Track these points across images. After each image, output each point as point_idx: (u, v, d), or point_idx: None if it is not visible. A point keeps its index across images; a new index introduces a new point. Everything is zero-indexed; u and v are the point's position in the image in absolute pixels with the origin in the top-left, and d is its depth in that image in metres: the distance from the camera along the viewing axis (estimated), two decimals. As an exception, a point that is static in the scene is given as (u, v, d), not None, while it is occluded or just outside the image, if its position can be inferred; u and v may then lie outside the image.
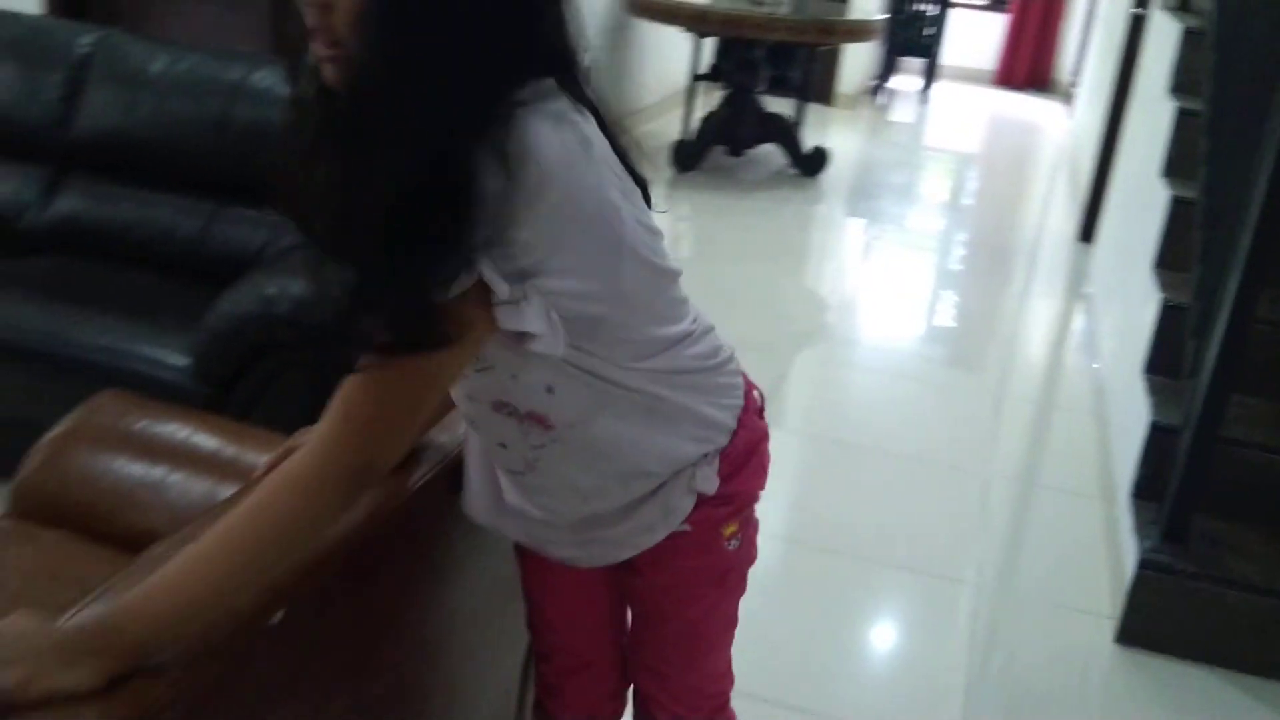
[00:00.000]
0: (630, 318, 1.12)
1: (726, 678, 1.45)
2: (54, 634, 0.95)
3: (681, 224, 5.46)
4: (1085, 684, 2.40)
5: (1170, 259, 3.15)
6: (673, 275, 1.18)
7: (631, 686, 1.47)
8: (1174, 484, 2.49)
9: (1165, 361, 2.90)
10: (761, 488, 1.32)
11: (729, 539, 1.29)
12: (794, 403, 3.65)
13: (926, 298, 4.97)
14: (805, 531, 2.81)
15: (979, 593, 2.64)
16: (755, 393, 1.32)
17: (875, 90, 9.03)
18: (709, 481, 1.24)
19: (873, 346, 4.26)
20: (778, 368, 3.85)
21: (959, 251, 5.75)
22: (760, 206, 5.81)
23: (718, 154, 6.26)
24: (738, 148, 6.30)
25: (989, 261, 5.53)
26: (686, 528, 1.25)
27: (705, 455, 1.23)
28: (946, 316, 4.83)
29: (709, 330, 1.26)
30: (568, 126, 0.99)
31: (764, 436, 1.31)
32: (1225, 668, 2.45)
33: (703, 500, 1.24)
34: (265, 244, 2.67)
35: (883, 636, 2.50)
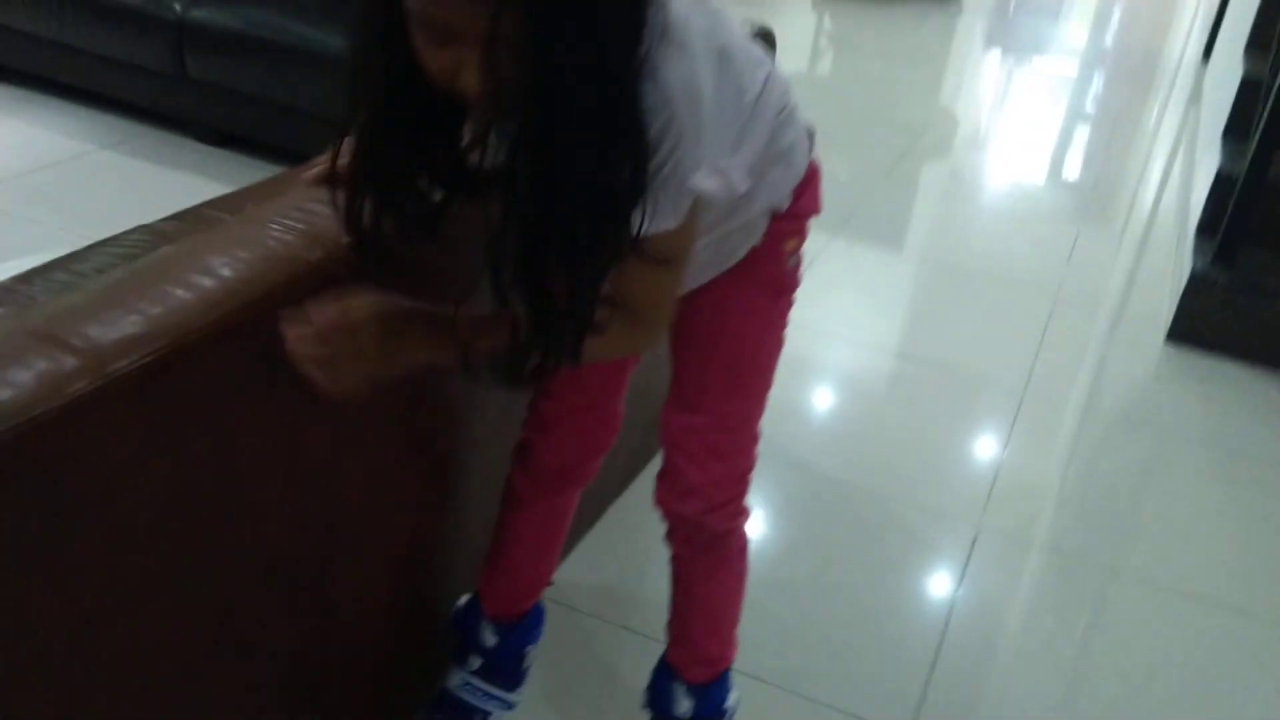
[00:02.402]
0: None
1: (755, 440, 1.45)
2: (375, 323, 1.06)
3: (823, 35, 5.91)
4: (1135, 368, 2.97)
5: (1259, 39, 3.57)
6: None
7: (662, 460, 1.48)
8: (1227, 216, 3.00)
9: (1240, 126, 3.36)
10: (817, 212, 1.39)
11: (789, 254, 1.37)
12: (916, 224, 3.87)
13: (1057, 124, 5.14)
14: (912, 346, 3.35)
15: (1055, 304, 3.21)
16: (807, 126, 1.37)
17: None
18: (783, 200, 1.32)
19: (995, 172, 4.35)
20: (906, 181, 4.15)
21: (1095, 76, 6.05)
22: (904, 20, 6.19)
23: (863, -34, 6.64)
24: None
25: (1125, 87, 5.84)
26: (759, 241, 1.34)
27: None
28: (1076, 148, 5.00)
29: (773, 78, 1.27)
30: (695, 46, 1.03)
31: (818, 169, 1.38)
32: (1256, 364, 2.99)
33: (774, 216, 1.33)
34: None
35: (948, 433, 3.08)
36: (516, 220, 0.99)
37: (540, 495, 1.55)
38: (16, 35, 3.64)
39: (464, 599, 1.63)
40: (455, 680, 1.62)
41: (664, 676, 1.59)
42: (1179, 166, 4.36)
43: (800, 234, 1.36)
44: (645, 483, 2.00)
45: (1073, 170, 4.54)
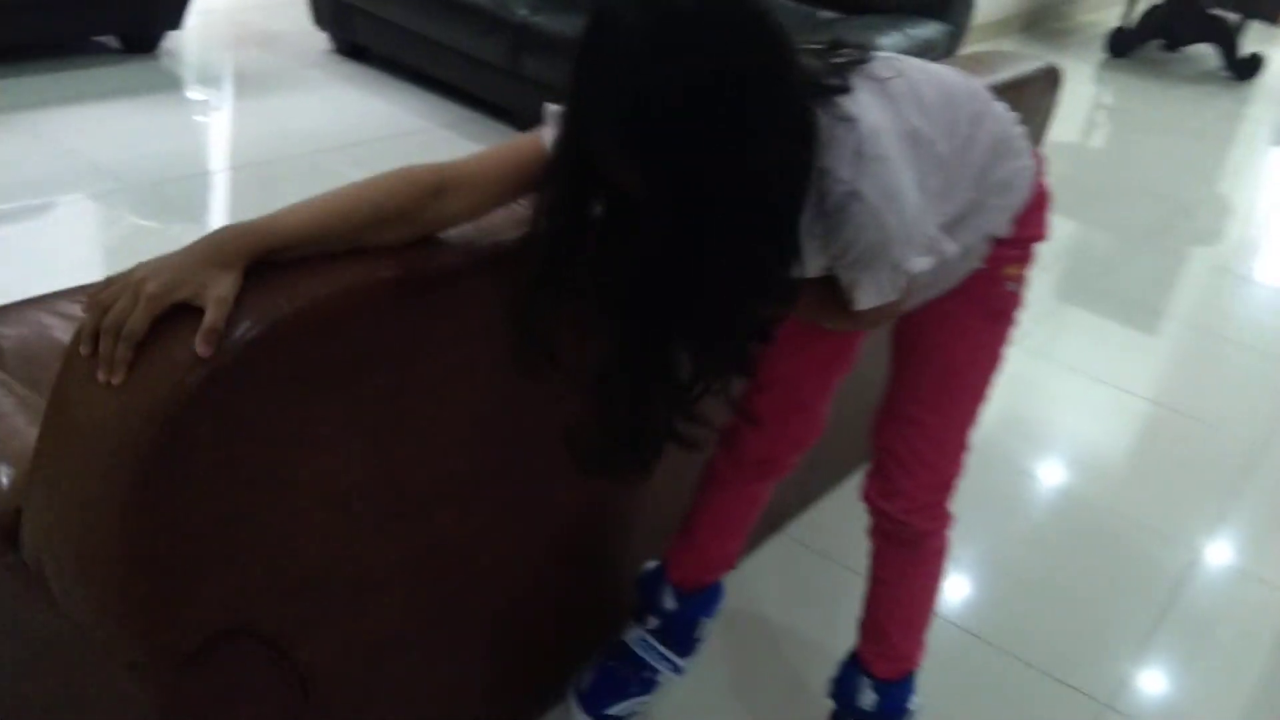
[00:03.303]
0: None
1: (962, 449, 1.51)
2: (194, 247, 0.98)
3: (1104, 108, 5.99)
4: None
5: None
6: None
7: (873, 466, 1.55)
8: None
9: None
10: (1043, 238, 1.44)
11: (1009, 280, 1.42)
12: (1175, 306, 3.89)
13: None
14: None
15: (1308, 381, 3.25)
16: (1041, 158, 1.43)
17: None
18: (1002, 227, 1.37)
19: (1267, 282, 4.13)
20: (1166, 263, 4.17)
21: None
22: (1186, 100, 6.20)
23: (1153, 47, 6.66)
24: (1174, 43, 6.67)
25: None
26: (979, 264, 1.39)
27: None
28: None
29: (989, 101, 1.35)
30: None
31: (1048, 196, 1.43)
32: None
33: (995, 242, 1.38)
34: None
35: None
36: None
37: (738, 480, 1.66)
38: (384, 24, 4.22)
39: (652, 564, 1.75)
40: (632, 635, 1.74)
41: (851, 669, 1.65)
42: None
43: (1022, 260, 1.42)
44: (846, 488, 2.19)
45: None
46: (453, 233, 1.16)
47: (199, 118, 3.86)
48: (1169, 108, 6.01)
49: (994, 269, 1.39)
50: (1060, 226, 4.02)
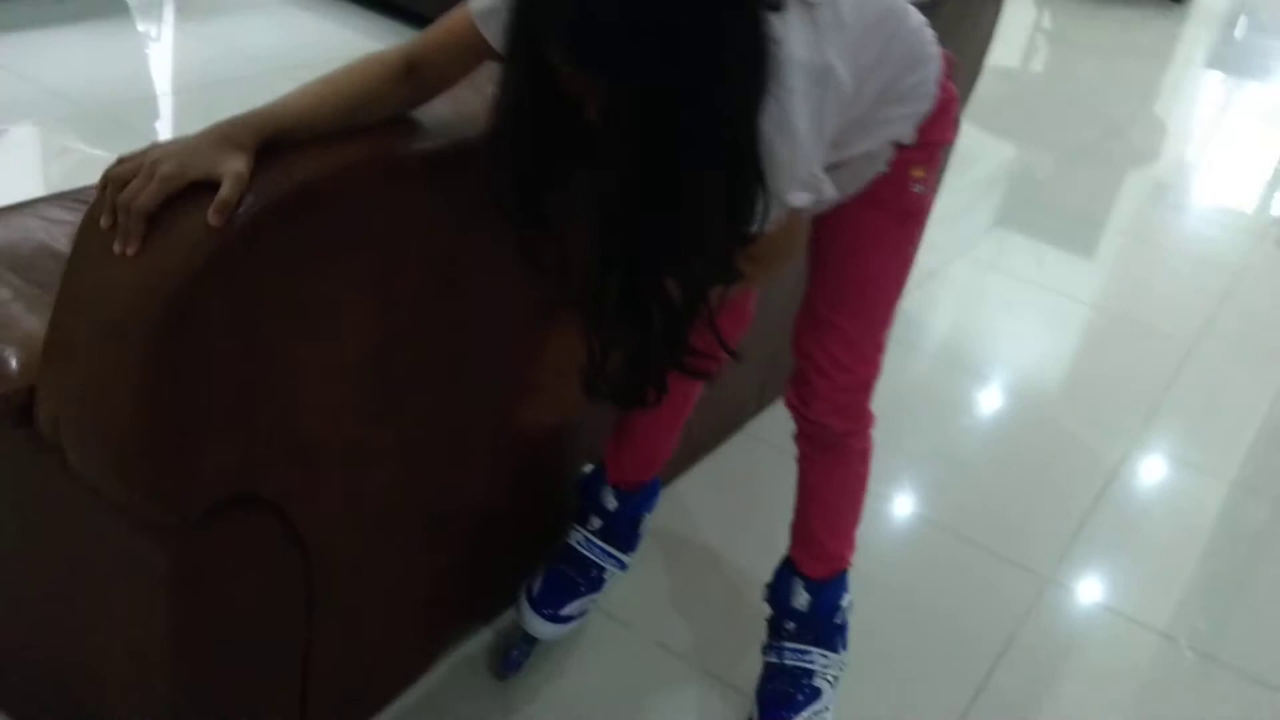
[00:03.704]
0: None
1: (879, 350, 1.54)
2: (208, 131, 1.03)
3: (1043, 31, 6.08)
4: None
5: None
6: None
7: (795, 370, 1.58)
8: None
9: None
10: (949, 141, 1.46)
11: (915, 181, 1.43)
12: (1113, 219, 3.98)
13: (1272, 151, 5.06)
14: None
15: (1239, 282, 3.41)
16: (948, 59, 1.43)
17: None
18: (907, 134, 1.39)
19: (1199, 197, 4.23)
20: (1104, 180, 4.19)
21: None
22: (1124, 23, 6.30)
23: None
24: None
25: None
26: (885, 169, 1.41)
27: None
28: None
29: (906, 10, 1.34)
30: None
31: (954, 99, 1.43)
32: None
33: (899, 147, 1.40)
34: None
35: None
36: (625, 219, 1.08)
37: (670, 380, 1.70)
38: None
39: (589, 467, 1.81)
40: (576, 537, 1.77)
41: (785, 572, 1.69)
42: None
43: (929, 162, 1.43)
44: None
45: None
46: (437, 118, 1.22)
47: (151, 42, 3.84)
48: (1107, 30, 6.12)
49: (900, 172, 1.41)
50: (1001, 147, 4.18)
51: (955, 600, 2.03)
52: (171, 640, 1.23)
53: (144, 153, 1.03)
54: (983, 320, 3.05)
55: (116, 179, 1.01)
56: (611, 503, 1.77)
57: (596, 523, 1.77)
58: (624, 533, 1.79)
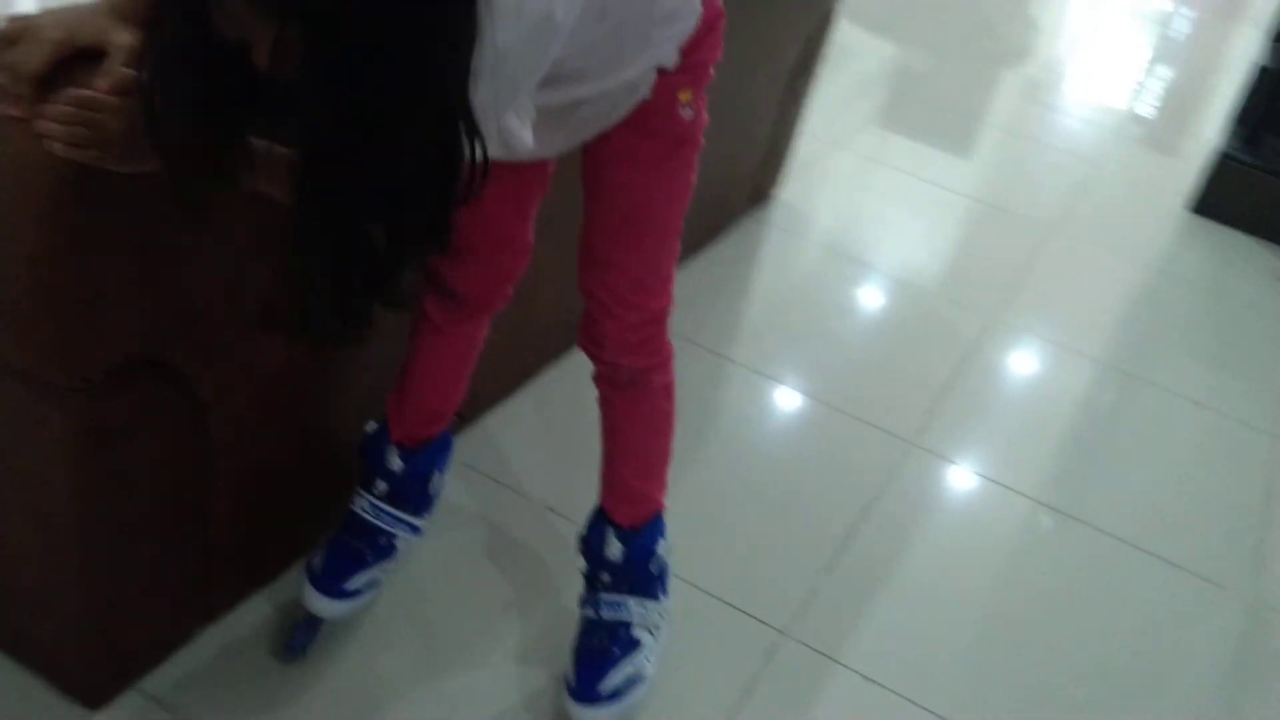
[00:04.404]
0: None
1: (668, 281, 1.46)
2: (93, 2, 1.02)
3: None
4: (1160, 231, 3.37)
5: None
6: None
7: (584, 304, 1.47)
8: (1258, 109, 3.36)
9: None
10: (716, 60, 1.37)
11: (683, 106, 1.34)
12: (988, 114, 4.20)
13: (1142, 46, 5.37)
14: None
15: (1095, 172, 3.60)
16: None
17: None
18: (670, 58, 1.30)
19: (1069, 94, 4.43)
20: (979, 76, 4.35)
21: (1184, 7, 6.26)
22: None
23: None
24: None
25: (1216, 20, 6.05)
26: (647, 95, 1.31)
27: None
28: (1157, 72, 5.29)
29: None
30: None
31: (720, 15, 1.35)
32: (1268, 240, 3.38)
33: (662, 72, 1.31)
34: None
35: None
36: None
37: (451, 322, 1.56)
38: None
39: (371, 426, 1.63)
40: (361, 504, 1.61)
41: (597, 521, 1.59)
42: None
43: (695, 85, 1.35)
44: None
45: (1146, 92, 4.85)
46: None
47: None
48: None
49: (665, 97, 1.33)
50: (879, 45, 4.28)
51: (821, 466, 2.17)
52: (75, 503, 1.28)
53: (33, 17, 1.04)
54: (859, 208, 3.17)
55: (3, 39, 1.02)
56: (396, 463, 1.60)
57: (382, 486, 1.61)
58: (413, 495, 1.64)
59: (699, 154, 1.40)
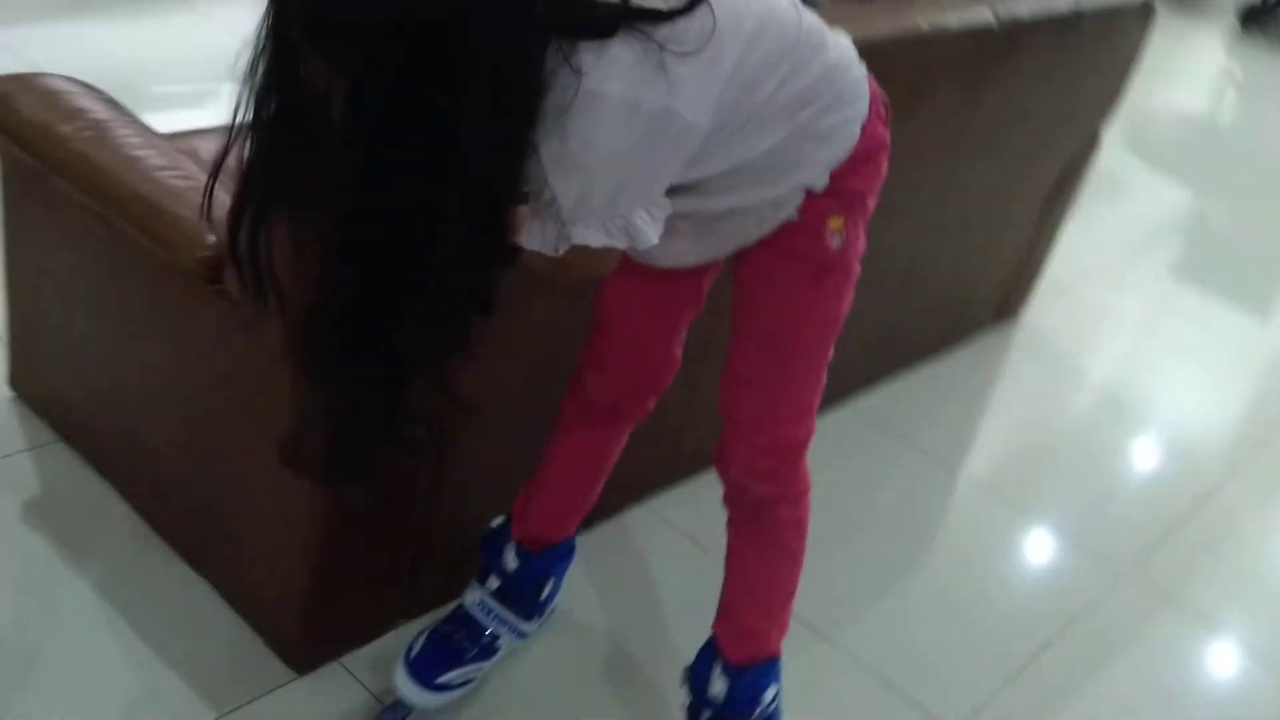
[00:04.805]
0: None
1: (807, 412, 1.40)
2: None
3: (1231, 79, 5.96)
4: None
5: None
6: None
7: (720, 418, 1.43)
8: None
9: None
10: (873, 192, 1.33)
11: (832, 233, 1.29)
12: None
13: None
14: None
15: None
16: (881, 102, 1.31)
17: None
18: (819, 180, 1.26)
19: None
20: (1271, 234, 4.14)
21: None
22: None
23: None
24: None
25: None
26: (794, 215, 1.28)
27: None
28: None
29: (820, 47, 1.21)
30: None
31: (884, 146, 1.31)
32: None
33: (811, 193, 1.27)
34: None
35: None
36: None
37: (587, 425, 1.55)
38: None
39: (497, 520, 1.62)
40: (471, 597, 1.60)
41: (706, 652, 1.51)
42: None
43: (847, 213, 1.30)
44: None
45: None
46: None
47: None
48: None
49: (812, 222, 1.29)
50: (1176, 191, 4.14)
51: (1027, 579, 2.13)
52: (314, 490, 1.42)
53: None
54: (1107, 340, 3.10)
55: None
56: (513, 561, 1.58)
57: (495, 582, 1.59)
58: (524, 597, 1.60)
59: (852, 283, 1.35)
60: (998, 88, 2.16)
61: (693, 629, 1.54)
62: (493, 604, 1.59)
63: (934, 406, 2.55)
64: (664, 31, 1.02)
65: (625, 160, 1.05)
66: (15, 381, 1.95)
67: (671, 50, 1.02)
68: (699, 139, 1.10)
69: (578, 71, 0.98)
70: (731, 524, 1.48)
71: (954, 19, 1.95)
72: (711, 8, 1.06)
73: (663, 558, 1.96)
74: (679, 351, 1.50)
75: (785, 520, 1.45)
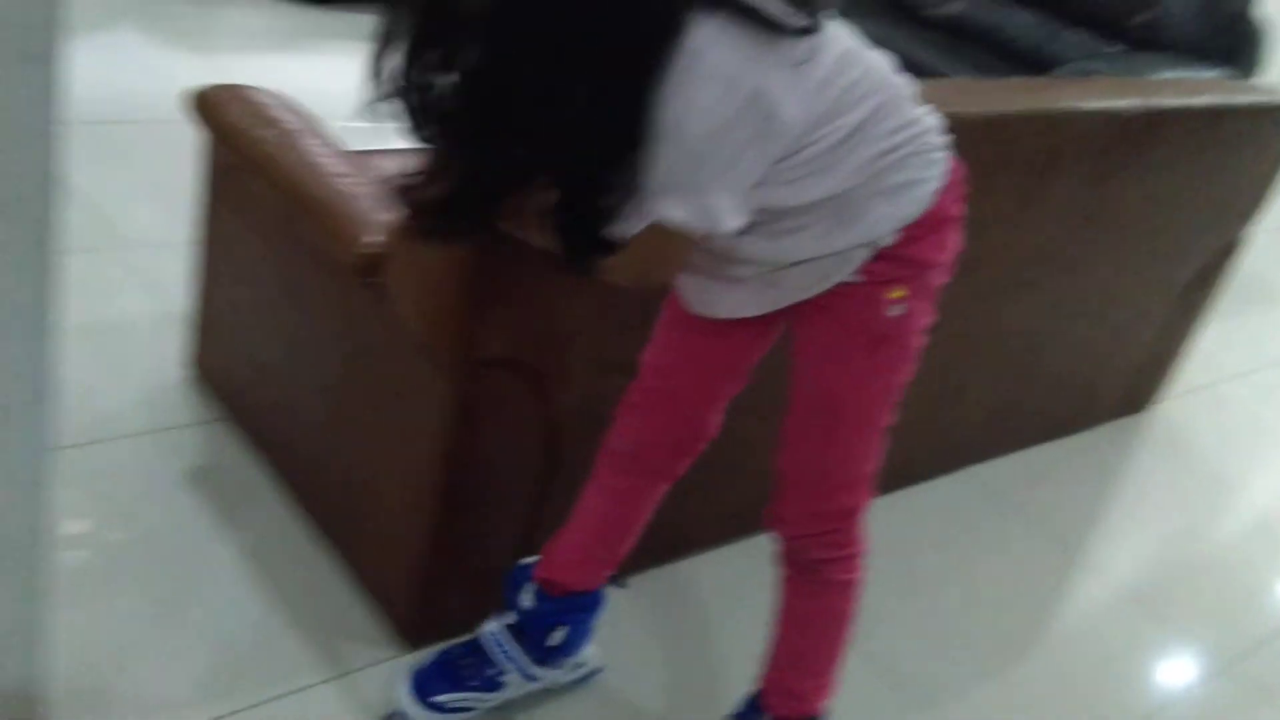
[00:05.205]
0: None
1: (860, 480, 1.39)
2: None
3: None
4: None
5: None
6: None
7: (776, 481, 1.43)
8: None
9: None
10: (938, 264, 1.30)
11: (892, 303, 1.28)
12: None
13: None
14: None
15: None
16: (959, 176, 1.30)
17: None
18: (885, 236, 1.25)
19: None
20: None
21: None
22: None
23: None
24: None
25: None
26: (858, 278, 1.27)
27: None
28: None
29: (910, 99, 1.25)
30: None
31: (954, 220, 1.30)
32: None
33: (875, 254, 1.26)
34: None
35: None
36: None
37: (611, 470, 1.53)
38: None
39: (532, 558, 1.62)
40: (489, 627, 1.60)
41: (749, 707, 1.52)
42: None
43: (909, 283, 1.29)
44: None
45: None
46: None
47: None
48: None
49: (873, 288, 1.28)
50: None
51: (1121, 659, 2.12)
52: (442, 462, 1.58)
53: None
54: (1241, 439, 3.03)
55: None
56: (528, 600, 1.57)
57: (511, 618, 1.59)
58: (534, 639, 1.58)
59: (911, 355, 1.34)
60: (1132, 174, 2.19)
61: (738, 683, 1.57)
62: (505, 639, 1.59)
63: (1056, 487, 2.55)
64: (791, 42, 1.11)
65: (717, 137, 1.09)
66: (195, 361, 2.16)
67: (781, 48, 1.10)
68: (787, 139, 1.14)
69: (693, 49, 1.06)
70: (781, 581, 1.48)
71: (1090, 103, 2.01)
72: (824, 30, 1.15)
73: (715, 610, 1.97)
74: (715, 420, 1.50)
75: (835, 583, 1.45)
